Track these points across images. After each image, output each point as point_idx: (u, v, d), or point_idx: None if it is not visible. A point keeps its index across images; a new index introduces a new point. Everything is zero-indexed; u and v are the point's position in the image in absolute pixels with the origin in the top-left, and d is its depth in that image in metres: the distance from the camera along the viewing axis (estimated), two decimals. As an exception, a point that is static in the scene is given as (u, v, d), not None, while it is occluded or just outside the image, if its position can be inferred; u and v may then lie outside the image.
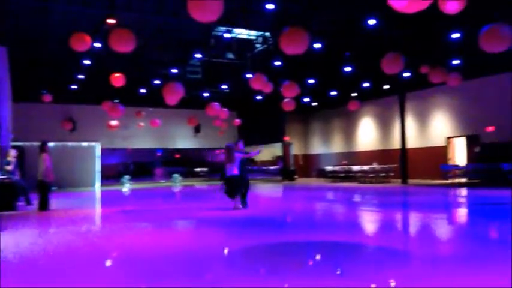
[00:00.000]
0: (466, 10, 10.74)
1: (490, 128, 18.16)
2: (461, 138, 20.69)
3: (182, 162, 32.92)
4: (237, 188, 10.47)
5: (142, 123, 25.06)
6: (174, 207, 12.74)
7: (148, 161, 33.42)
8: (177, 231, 8.30)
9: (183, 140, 29.47)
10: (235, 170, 10.45)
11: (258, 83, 12.39)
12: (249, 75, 15.40)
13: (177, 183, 25.56)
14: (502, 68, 15.95)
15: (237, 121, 25.78)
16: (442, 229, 7.90)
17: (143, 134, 27.07)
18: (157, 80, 18.58)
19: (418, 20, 10.59)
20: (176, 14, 12.40)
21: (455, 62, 15.40)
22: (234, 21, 13.38)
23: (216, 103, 17.70)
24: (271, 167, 31.46)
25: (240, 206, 10.52)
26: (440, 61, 14.31)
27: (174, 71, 17.58)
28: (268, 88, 13.17)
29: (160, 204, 13.58)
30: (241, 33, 15.05)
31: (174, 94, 11.32)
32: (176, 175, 26.75)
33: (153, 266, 4.93)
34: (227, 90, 22.65)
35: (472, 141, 19.90)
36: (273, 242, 6.44)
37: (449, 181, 19.30)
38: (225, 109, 20.10)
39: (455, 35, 12.85)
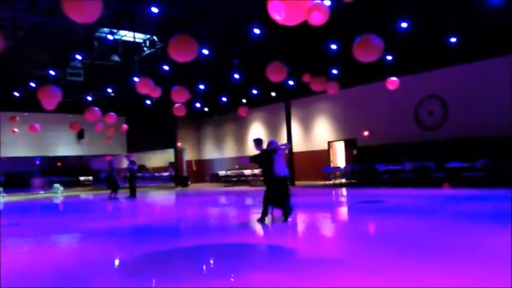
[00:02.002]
0: (341, 22, 11.67)
1: (365, 133, 19.91)
2: (340, 142, 22.38)
3: (64, 171, 30.61)
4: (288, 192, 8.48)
5: (16, 129, 22.73)
6: (55, 219, 11.74)
7: (25, 170, 30.46)
8: (58, 245, 7.63)
9: (65, 147, 27.40)
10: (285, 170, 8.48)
11: (145, 87, 12.01)
12: (136, 79, 14.87)
13: (59, 193, 23.61)
14: (375, 77, 17.57)
15: (125, 127, 24.70)
16: (327, 227, 8.44)
17: (18, 141, 24.57)
18: (34, 82, 17.02)
19: (300, 31, 11.19)
20: (53, 14, 11.48)
21: (334, 71, 16.60)
22: (118, 23, 12.82)
23: (96, 108, 16.66)
24: (164, 174, 30.82)
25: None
26: (320, 70, 15.30)
27: (52, 72, 16.26)
28: (156, 93, 12.84)
29: (39, 217, 12.43)
30: (127, 35, 14.49)
31: (50, 98, 10.45)
32: (57, 185, 24.67)
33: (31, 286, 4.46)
34: (113, 95, 21.60)
35: (350, 145, 21.65)
36: (166, 249, 6.34)
37: (331, 182, 20.72)
38: (112, 113, 19.08)
39: (333, 46, 13.85)
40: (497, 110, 15.61)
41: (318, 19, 6.34)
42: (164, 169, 30.98)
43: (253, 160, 8.75)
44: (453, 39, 13.90)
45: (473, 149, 15.78)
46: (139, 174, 30.75)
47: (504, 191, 12.43)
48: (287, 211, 8.34)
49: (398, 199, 12.21)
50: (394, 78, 14.48)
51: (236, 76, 16.87)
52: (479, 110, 16.14)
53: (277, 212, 8.76)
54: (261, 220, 8.28)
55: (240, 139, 28.08)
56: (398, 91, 15.73)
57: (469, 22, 12.83)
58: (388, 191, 14.61)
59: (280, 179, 8.27)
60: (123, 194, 18.37)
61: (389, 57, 14.98)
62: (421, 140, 17.85)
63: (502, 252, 5.09)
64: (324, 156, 22.45)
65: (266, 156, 8.38)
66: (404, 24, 12.15)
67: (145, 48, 15.66)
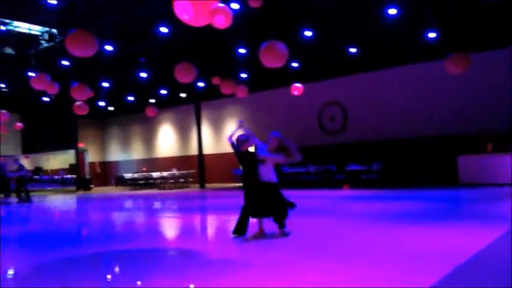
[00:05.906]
0: (250, 27, 11.87)
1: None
2: (250, 144, 22.70)
3: None
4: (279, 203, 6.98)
5: None
6: None
7: None
8: None
9: None
10: (272, 174, 7.09)
11: (41, 83, 11.15)
12: (31, 74, 13.77)
13: None
14: (282, 82, 18.07)
15: (19, 125, 22.63)
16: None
17: None
18: None
19: (209, 33, 11.17)
20: None
21: (243, 75, 16.84)
22: (12, 13, 11.76)
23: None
24: (65, 176, 28.80)
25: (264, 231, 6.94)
26: (230, 74, 15.40)
27: None
28: (53, 89, 11.98)
29: None
30: (21, 26, 13.34)
31: None
32: None
33: None
34: (5, 90, 19.77)
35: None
36: (67, 256, 5.98)
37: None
38: (4, 111, 17.42)
39: (242, 50, 14.03)
40: (394, 116, 16.99)
41: (221, 22, 6.34)
42: (65, 172, 28.98)
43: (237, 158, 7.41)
44: (353, 50, 14.82)
45: (370, 153, 16.96)
46: (37, 177, 28.46)
47: (395, 192, 13.59)
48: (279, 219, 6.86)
49: (301, 200, 12.66)
50: (298, 85, 15.05)
51: (143, 75, 16.35)
52: (375, 116, 17.42)
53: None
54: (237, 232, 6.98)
55: (149, 140, 27.29)
56: (303, 97, 16.39)
57: (368, 33, 13.75)
58: (293, 193, 15.06)
59: (263, 185, 6.96)
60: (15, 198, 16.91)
61: (295, 64, 15.54)
62: (324, 144, 18.78)
63: (395, 248, 5.51)
64: (234, 159, 22.59)
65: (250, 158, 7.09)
66: (308, 33, 12.68)
67: (42, 42, 14.53)
